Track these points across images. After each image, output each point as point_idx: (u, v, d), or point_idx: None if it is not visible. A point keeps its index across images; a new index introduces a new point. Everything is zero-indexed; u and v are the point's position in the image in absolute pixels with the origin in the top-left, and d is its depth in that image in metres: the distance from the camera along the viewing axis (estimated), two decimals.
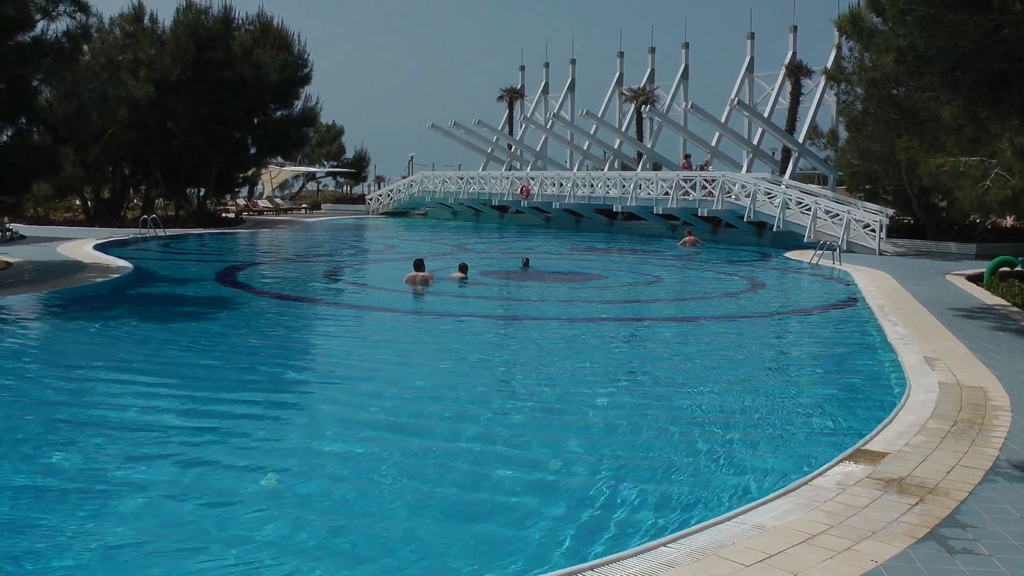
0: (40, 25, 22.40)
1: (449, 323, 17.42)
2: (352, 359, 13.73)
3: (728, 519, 6.42)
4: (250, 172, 59.71)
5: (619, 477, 7.96)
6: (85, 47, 25.53)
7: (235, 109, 46.43)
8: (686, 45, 59.53)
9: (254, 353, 13.95)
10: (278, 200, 78.56)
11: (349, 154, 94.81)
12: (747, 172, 48.05)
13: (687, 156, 53.21)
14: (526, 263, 26.74)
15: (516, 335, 16.67)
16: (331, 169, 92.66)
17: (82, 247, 29.52)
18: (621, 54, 66.33)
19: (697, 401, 10.95)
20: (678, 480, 7.97)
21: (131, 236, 36.68)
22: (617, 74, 66.09)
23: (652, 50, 64.13)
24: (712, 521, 6.36)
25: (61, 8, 22.34)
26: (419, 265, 21.98)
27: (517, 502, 7.28)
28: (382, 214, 72.46)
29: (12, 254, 25.88)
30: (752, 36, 55.24)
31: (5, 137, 22.69)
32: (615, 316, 19.38)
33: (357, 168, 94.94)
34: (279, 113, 52.82)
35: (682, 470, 8.23)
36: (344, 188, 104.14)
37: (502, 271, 26.66)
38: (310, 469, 8.07)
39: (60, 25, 22.79)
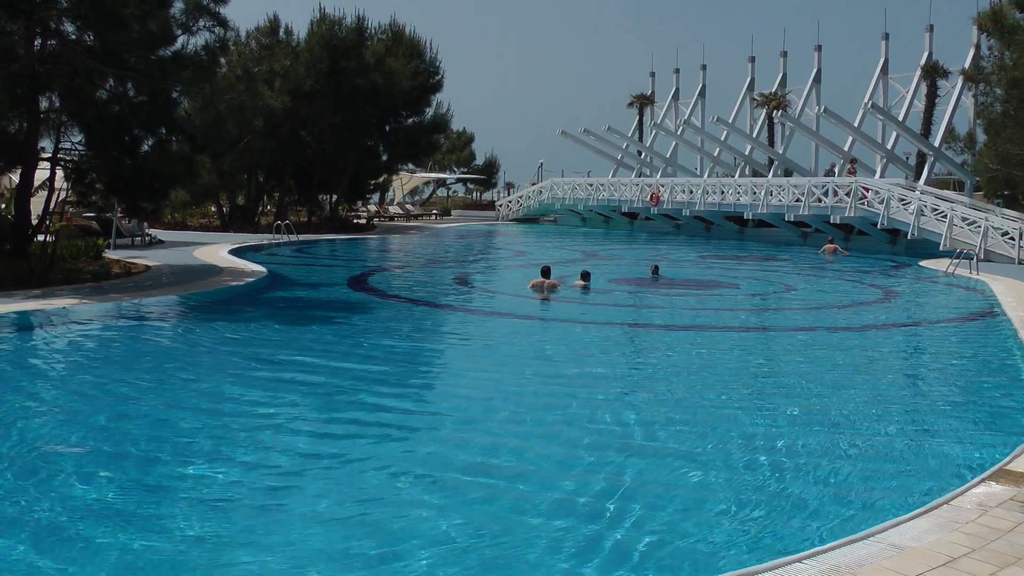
0: (180, 40, 23.63)
1: (573, 330, 17.60)
2: (478, 363, 14.10)
3: (864, 537, 6.27)
4: (381, 179, 61.15)
5: (750, 488, 7.88)
6: (222, 60, 26.70)
7: (367, 117, 47.70)
8: (819, 48, 58.80)
9: (385, 356, 14.35)
10: (409, 206, 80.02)
11: (479, 160, 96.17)
12: (881, 177, 47.35)
13: (853, 160, 51.89)
14: (655, 271, 26.88)
15: (643, 343, 16.75)
16: (461, 175, 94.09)
17: (217, 252, 30.74)
18: (752, 58, 65.85)
19: (828, 413, 10.74)
20: (810, 494, 7.81)
21: (265, 241, 38.06)
22: (748, 79, 65.61)
23: (784, 54, 63.54)
24: (848, 539, 6.23)
25: (201, 23, 23.51)
26: (546, 272, 22.37)
27: (643, 514, 7.22)
28: (512, 220, 73.14)
29: (151, 258, 27.19)
30: (887, 37, 54.27)
31: (147, 146, 23.86)
32: (744, 325, 19.42)
33: (487, 174, 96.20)
34: (410, 120, 54.08)
35: (814, 483, 8.08)
36: (474, 194, 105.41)
37: (631, 279, 26.79)
38: (441, 473, 8.26)
39: (199, 39, 23.96)
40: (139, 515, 7.10)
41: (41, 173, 24.47)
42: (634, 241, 50.29)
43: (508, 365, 13.77)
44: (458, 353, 15.54)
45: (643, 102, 77.08)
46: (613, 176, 69.32)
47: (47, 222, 24.26)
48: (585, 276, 23.15)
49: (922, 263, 32.96)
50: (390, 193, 78.40)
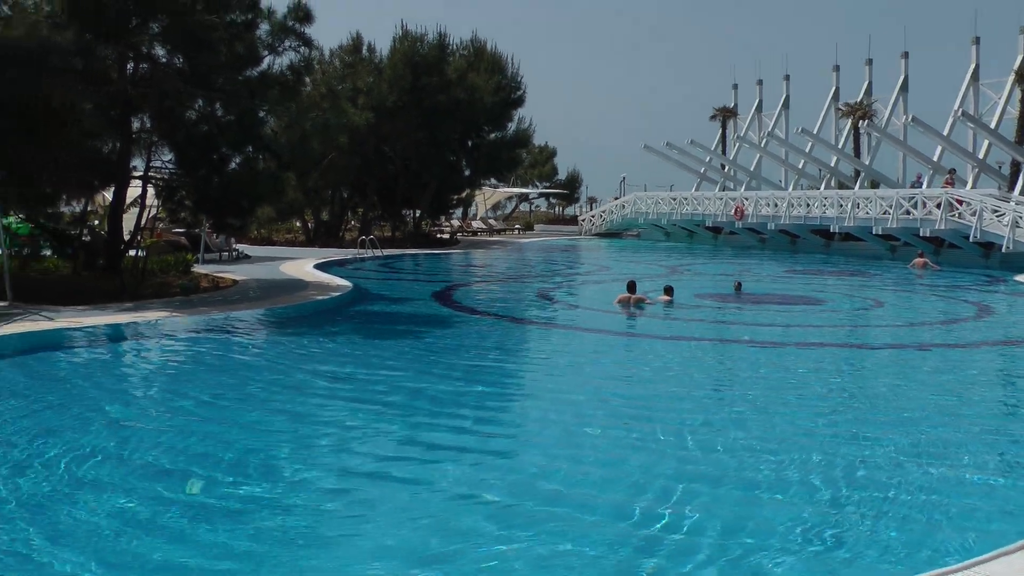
0: (267, 60, 24.22)
1: (657, 346, 17.48)
2: (562, 379, 14.17)
3: (961, 569, 5.95)
4: (464, 194, 61.71)
5: (837, 515, 7.56)
6: (307, 78, 27.26)
7: (449, 132, 48.28)
8: (905, 55, 57.77)
9: (468, 373, 14.35)
10: (491, 221, 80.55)
11: (561, 175, 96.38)
12: (972, 188, 46.47)
13: (952, 171, 50.69)
14: (739, 286, 26.69)
15: (728, 361, 16.56)
16: (544, 190, 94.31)
17: (303, 266, 31.25)
18: (837, 67, 65.02)
19: (918, 436, 10.23)
20: (900, 522, 7.42)
21: (349, 256, 38.63)
22: (833, 88, 64.77)
23: (869, 61, 62.59)
24: (944, 570, 5.95)
25: (286, 43, 24.09)
26: (631, 287, 22.36)
27: (731, 548, 6.90)
28: (594, 235, 73.11)
29: (238, 272, 27.84)
30: (977, 41, 53.02)
31: (234, 165, 24.46)
32: (832, 342, 18.98)
33: (569, 189, 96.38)
34: (493, 135, 54.49)
35: (905, 510, 7.68)
36: (556, 209, 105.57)
37: (716, 294, 26.53)
38: (526, 487, 8.28)
39: (284, 59, 24.52)
40: (209, 523, 7.28)
41: (133, 191, 25.20)
42: (718, 256, 49.88)
43: (591, 383, 13.67)
44: (541, 369, 15.48)
45: (726, 115, 76.72)
46: (696, 190, 68.97)
47: (138, 238, 24.95)
48: (669, 291, 23.05)
49: (1017, 278, 31.99)
50: (473, 208, 79.06)
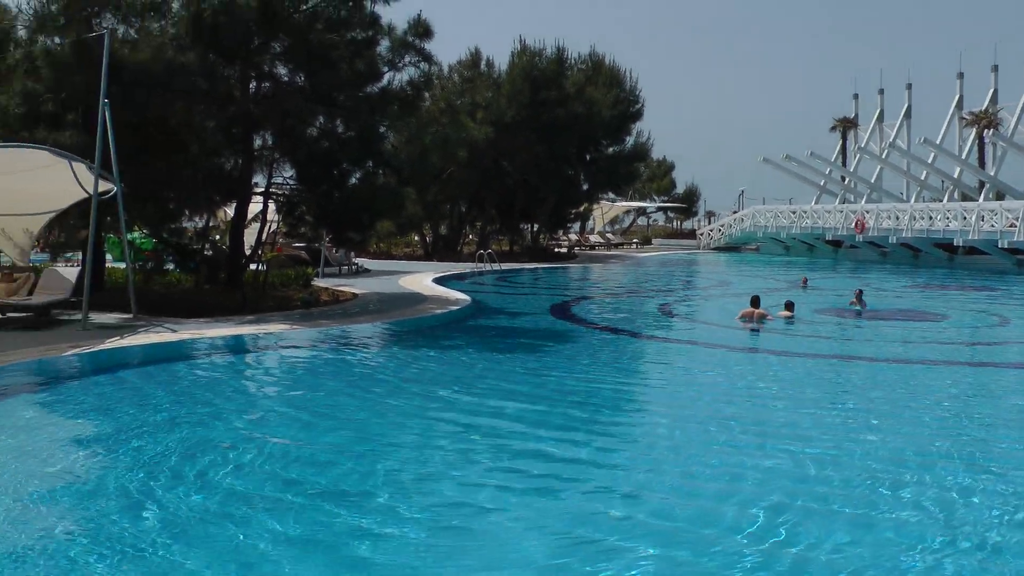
0: (387, 76, 24.36)
1: (779, 362, 16.99)
2: (681, 394, 13.88)
3: None
4: (582, 208, 61.51)
5: (954, 543, 7.13)
6: (426, 94, 27.37)
7: (568, 146, 48.13)
8: None
9: (587, 386, 14.23)
10: (609, 235, 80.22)
11: (679, 189, 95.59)
12: None
13: None
14: (859, 295, 25.92)
15: (848, 376, 16.13)
16: (661, 204, 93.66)
17: (422, 280, 31.35)
18: (961, 75, 63.21)
19: None
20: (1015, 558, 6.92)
21: (468, 270, 38.65)
22: (956, 97, 62.96)
23: (995, 68, 60.72)
24: None
25: (406, 59, 24.23)
26: (755, 302, 21.90)
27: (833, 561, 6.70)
28: (713, 249, 72.40)
29: (358, 286, 28.02)
30: None
31: (354, 180, 24.67)
32: (953, 359, 18.26)
33: (687, 203, 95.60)
34: (611, 149, 54.20)
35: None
36: (674, 223, 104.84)
37: (837, 309, 25.78)
38: (648, 502, 8.19)
39: (404, 75, 24.64)
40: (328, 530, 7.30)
41: (254, 207, 25.58)
42: (839, 270, 48.85)
43: (710, 399, 13.36)
44: (660, 385, 15.23)
45: (846, 125, 75.32)
46: (816, 203, 67.80)
47: (259, 252, 25.32)
48: (789, 306, 22.55)
49: None
50: (591, 222, 78.75)
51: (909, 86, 67.51)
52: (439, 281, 31.21)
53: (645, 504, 8.14)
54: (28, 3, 20.97)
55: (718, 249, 71.95)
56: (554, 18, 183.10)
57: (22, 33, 22.43)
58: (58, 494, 8.08)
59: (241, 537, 7.10)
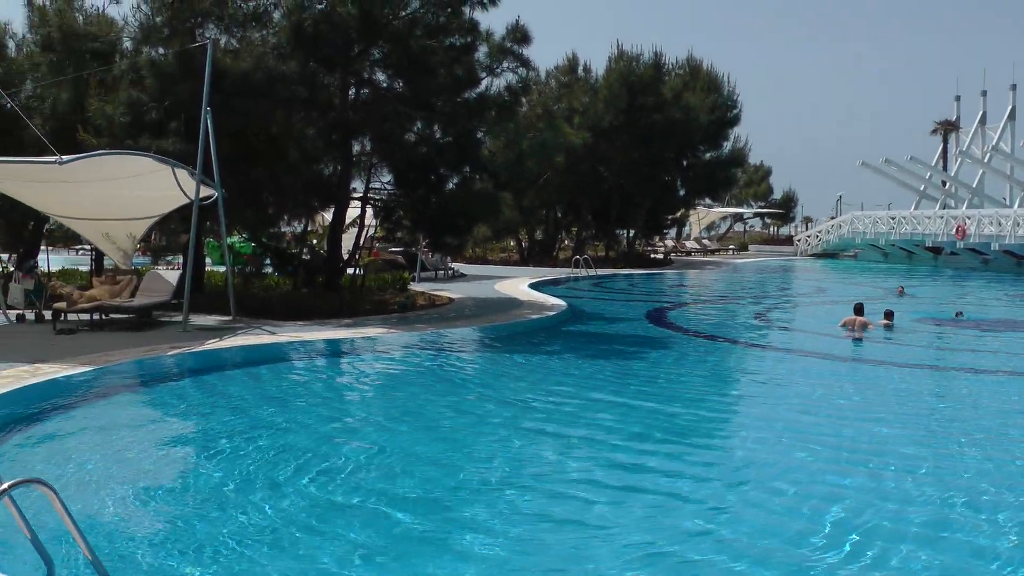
0: (484, 82, 24.26)
1: (880, 373, 16.26)
2: (779, 403, 13.41)
3: None
4: (678, 213, 60.91)
5: None
6: (524, 99, 27.23)
7: (664, 152, 47.61)
8: None
9: (683, 393, 13.93)
10: (705, 241, 79.34)
11: (776, 194, 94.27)
12: None
13: None
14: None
15: (947, 388, 15.42)
16: (758, 210, 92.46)
17: (517, 285, 31.19)
18: None
19: None
20: None
21: (563, 275, 38.33)
22: None
23: None
24: None
25: (504, 65, 24.09)
26: (859, 310, 21.24)
27: None
28: (810, 256, 71.18)
29: (454, 291, 28.00)
30: None
31: (451, 185, 24.63)
32: None
33: (784, 208, 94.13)
34: (707, 155, 53.53)
35: None
36: (771, 229, 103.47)
37: (936, 318, 24.92)
38: (737, 511, 8.00)
39: (502, 80, 24.50)
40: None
41: (352, 211, 25.68)
42: (938, 277, 47.45)
43: (808, 408, 12.85)
44: (759, 393, 14.71)
45: (947, 128, 73.52)
46: (915, 208, 66.14)
47: (357, 257, 25.41)
48: (889, 315, 21.90)
49: None
50: (687, 228, 77.99)
51: (1013, 87, 65.50)
52: (535, 286, 31.06)
53: (731, 519, 7.79)
54: (134, 16, 21.38)
55: (815, 256, 70.62)
56: (651, 22, 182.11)
57: (128, 45, 22.87)
58: (155, 490, 8.23)
59: (328, 540, 7.06)
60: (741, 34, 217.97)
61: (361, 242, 25.43)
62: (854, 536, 7.24)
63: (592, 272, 40.26)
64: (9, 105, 21.95)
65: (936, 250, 58.77)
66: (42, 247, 29.56)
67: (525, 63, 24.46)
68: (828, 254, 70.40)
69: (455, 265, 38.00)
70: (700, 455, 10.12)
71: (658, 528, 7.53)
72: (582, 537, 7.29)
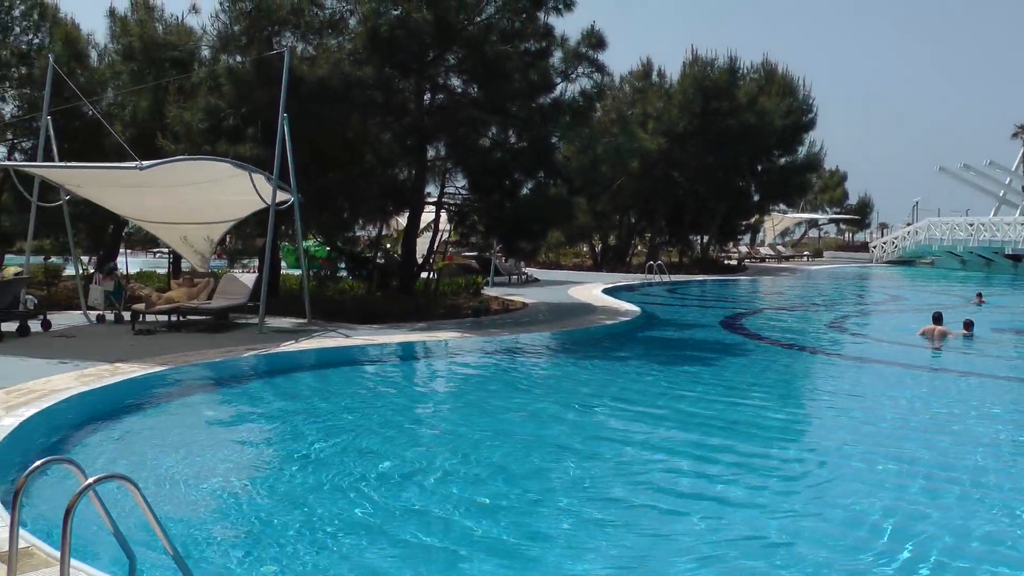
0: (559, 87, 24.10)
1: (958, 384, 15.74)
2: (854, 414, 12.92)
3: None
4: (752, 219, 60.17)
5: None
6: (598, 104, 27.03)
7: (739, 157, 46.99)
8: None
9: (756, 402, 13.61)
10: (779, 247, 78.36)
11: (852, 200, 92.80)
12: None
13: None
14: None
15: None
16: (833, 216, 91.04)
17: (591, 291, 30.91)
18: None
19: None
20: None
21: (637, 281, 37.98)
22: None
23: None
24: None
25: (579, 70, 23.93)
26: (938, 318, 20.63)
27: None
28: (886, 262, 69.94)
29: (527, 296, 27.74)
30: None
31: (526, 190, 24.52)
32: None
33: (859, 214, 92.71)
34: (782, 160, 52.65)
35: None
36: (845, 235, 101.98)
37: (1016, 329, 24.14)
38: (813, 520, 7.80)
39: (577, 86, 24.32)
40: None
41: (426, 216, 25.66)
42: (1019, 286, 46.25)
43: (885, 420, 12.38)
44: (834, 403, 14.15)
45: None
46: (994, 215, 64.58)
47: (431, 261, 25.38)
48: (968, 325, 21.26)
49: None
50: (761, 234, 77.01)
51: None
52: (608, 292, 30.78)
53: (806, 535, 7.45)
54: (212, 25, 21.60)
55: (891, 262, 69.32)
56: (726, 26, 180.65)
57: (206, 53, 23.12)
58: (231, 488, 8.40)
59: (397, 544, 7.02)
60: (817, 36, 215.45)
61: (435, 246, 25.40)
62: (914, 550, 7.01)
63: (666, 278, 39.82)
64: (91, 113, 22.29)
65: (1016, 257, 57.27)
66: (121, 250, 30.03)
67: (600, 68, 24.28)
68: (904, 261, 69.02)
69: (529, 270, 37.84)
70: (769, 463, 9.87)
71: (721, 536, 7.36)
72: (653, 542, 7.20)
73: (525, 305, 24.92)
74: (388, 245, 27.15)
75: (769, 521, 7.72)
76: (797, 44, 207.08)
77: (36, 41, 26.57)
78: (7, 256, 30.25)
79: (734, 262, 58.25)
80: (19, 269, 22.14)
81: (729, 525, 7.62)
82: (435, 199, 24.65)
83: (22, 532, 5.41)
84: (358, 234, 25.83)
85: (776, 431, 11.69)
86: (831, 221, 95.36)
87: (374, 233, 26.52)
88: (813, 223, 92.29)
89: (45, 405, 10.15)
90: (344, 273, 25.97)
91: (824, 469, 9.76)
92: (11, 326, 16.43)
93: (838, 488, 8.89)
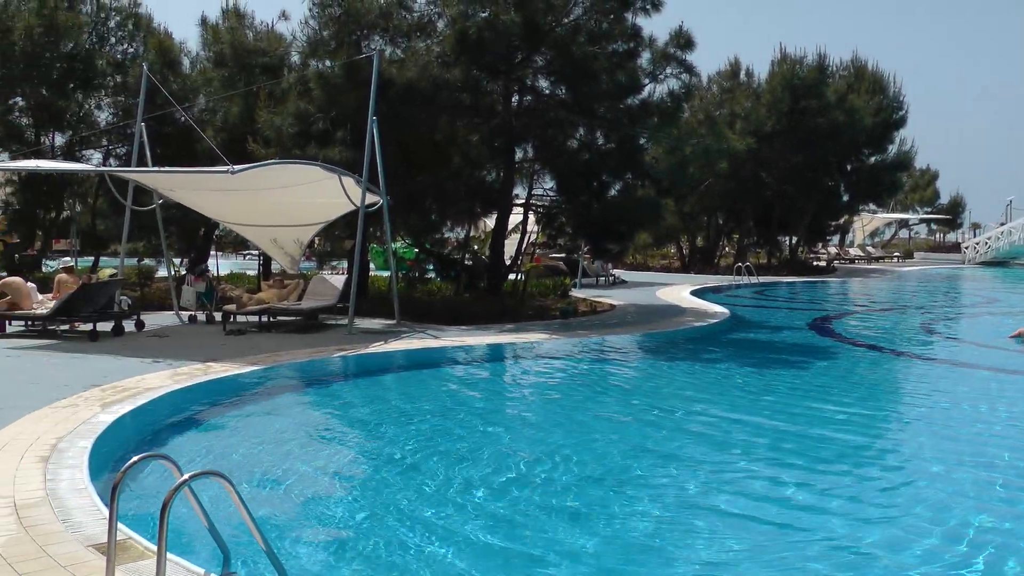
0: (647, 88, 23.80)
1: None
2: (947, 418, 12.45)
3: None
4: (841, 220, 58.99)
5: None
6: (685, 104, 26.68)
7: (827, 156, 46.08)
8: None
9: (847, 407, 13.03)
10: (869, 248, 76.85)
11: (943, 199, 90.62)
12: None
13: None
14: None
15: None
16: (924, 216, 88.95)
17: (679, 292, 30.51)
18: None
19: None
20: None
21: (725, 283, 37.43)
22: None
23: None
24: None
25: (667, 71, 23.60)
26: None
27: None
28: (978, 263, 68.21)
29: (615, 297, 27.47)
30: None
31: (613, 191, 24.26)
32: None
33: (951, 214, 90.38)
34: (872, 158, 51.50)
35: None
36: (936, 236, 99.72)
37: None
38: (902, 528, 7.45)
39: (665, 86, 24.00)
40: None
41: (514, 218, 25.54)
42: None
43: (980, 426, 11.89)
44: (927, 409, 13.52)
45: None
46: None
47: (519, 262, 25.25)
48: None
49: None
50: (850, 234, 75.55)
51: None
52: (696, 293, 30.34)
53: (902, 552, 7.02)
54: (302, 30, 21.77)
55: (984, 264, 67.61)
56: (815, 23, 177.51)
57: (295, 58, 23.32)
58: (321, 487, 8.50)
59: (482, 547, 6.93)
60: (907, 31, 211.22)
61: (523, 248, 25.28)
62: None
63: (754, 279, 39.26)
64: (183, 119, 22.57)
65: None
66: (212, 252, 30.46)
67: (688, 69, 23.96)
68: (998, 262, 67.22)
69: (616, 271, 37.53)
70: (856, 469, 9.51)
71: (812, 546, 7.07)
72: (737, 553, 6.92)
73: (613, 307, 24.67)
74: (476, 247, 27.07)
75: (866, 535, 7.33)
76: (887, 39, 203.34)
77: (131, 50, 27.17)
78: (102, 258, 30.89)
79: (823, 263, 57.19)
80: (114, 271, 22.59)
81: (822, 537, 7.31)
82: (523, 200, 24.51)
83: (119, 525, 5.47)
84: (446, 236, 25.81)
85: (866, 436, 11.29)
86: (922, 221, 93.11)
87: (462, 235, 26.48)
88: (903, 223, 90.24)
89: (140, 402, 10.34)
90: (432, 275, 25.97)
91: (917, 476, 9.34)
92: (106, 326, 16.86)
93: (933, 497, 8.47)
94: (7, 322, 16.92)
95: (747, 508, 7.99)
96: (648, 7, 22.28)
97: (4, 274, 22.26)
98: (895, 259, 74.09)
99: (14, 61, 24.69)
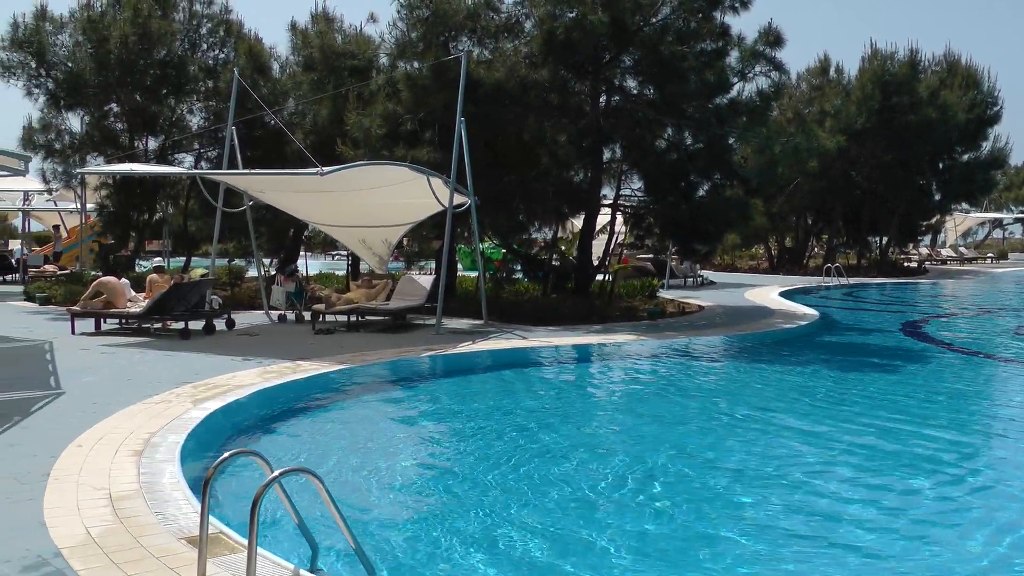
0: (736, 87, 23.43)
1: None
2: None
3: None
4: (933, 219, 57.60)
5: None
6: (774, 103, 26.23)
7: (919, 154, 44.98)
8: None
9: (939, 413, 12.68)
10: (962, 249, 75.05)
11: None
12: None
13: None
14: None
15: None
16: (1019, 215, 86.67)
17: (767, 293, 30.05)
18: None
19: None
20: None
21: (814, 284, 36.73)
22: None
23: None
24: None
25: (756, 69, 23.19)
26: None
27: None
28: None
29: (703, 298, 27.12)
30: None
31: (702, 191, 23.94)
32: None
33: None
34: (965, 156, 50.16)
35: None
36: None
37: None
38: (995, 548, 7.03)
39: (754, 85, 23.59)
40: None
41: (602, 218, 25.37)
42: None
43: None
44: (1018, 418, 12.97)
45: None
46: None
47: (607, 263, 25.07)
48: None
49: None
50: (942, 235, 73.85)
51: None
52: (785, 295, 29.79)
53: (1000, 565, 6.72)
54: (390, 33, 21.88)
55: None
56: (907, 17, 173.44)
57: (384, 60, 23.42)
58: (410, 485, 8.55)
59: (568, 550, 6.86)
60: (1001, 23, 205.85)
61: (611, 248, 25.10)
62: None
63: (844, 281, 38.51)
64: (273, 122, 22.80)
65: None
66: (301, 252, 30.81)
67: (778, 67, 23.46)
68: None
69: (704, 272, 37.12)
70: (948, 478, 9.17)
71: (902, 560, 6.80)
72: (816, 565, 6.70)
73: (701, 308, 24.32)
74: (563, 247, 26.94)
75: (950, 550, 7.00)
76: (981, 32, 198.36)
77: (222, 56, 27.56)
78: (194, 258, 31.39)
79: (914, 265, 55.89)
80: (205, 271, 22.92)
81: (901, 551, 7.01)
82: (611, 201, 24.30)
83: (210, 518, 5.60)
84: (533, 236, 25.75)
85: (958, 449, 10.67)
86: (1016, 221, 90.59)
87: (549, 235, 26.38)
88: (997, 223, 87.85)
89: (230, 399, 10.53)
90: (520, 275, 25.91)
91: (1000, 488, 8.93)
92: (198, 324, 17.09)
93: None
94: (102, 320, 17.34)
95: (826, 514, 7.82)
96: (737, 5, 21.93)
97: (100, 274, 22.75)
98: (988, 260, 72.16)
99: (110, 68, 25.16)
